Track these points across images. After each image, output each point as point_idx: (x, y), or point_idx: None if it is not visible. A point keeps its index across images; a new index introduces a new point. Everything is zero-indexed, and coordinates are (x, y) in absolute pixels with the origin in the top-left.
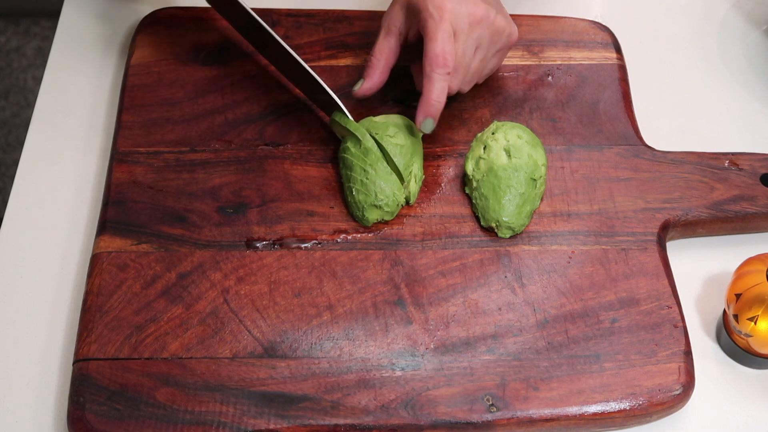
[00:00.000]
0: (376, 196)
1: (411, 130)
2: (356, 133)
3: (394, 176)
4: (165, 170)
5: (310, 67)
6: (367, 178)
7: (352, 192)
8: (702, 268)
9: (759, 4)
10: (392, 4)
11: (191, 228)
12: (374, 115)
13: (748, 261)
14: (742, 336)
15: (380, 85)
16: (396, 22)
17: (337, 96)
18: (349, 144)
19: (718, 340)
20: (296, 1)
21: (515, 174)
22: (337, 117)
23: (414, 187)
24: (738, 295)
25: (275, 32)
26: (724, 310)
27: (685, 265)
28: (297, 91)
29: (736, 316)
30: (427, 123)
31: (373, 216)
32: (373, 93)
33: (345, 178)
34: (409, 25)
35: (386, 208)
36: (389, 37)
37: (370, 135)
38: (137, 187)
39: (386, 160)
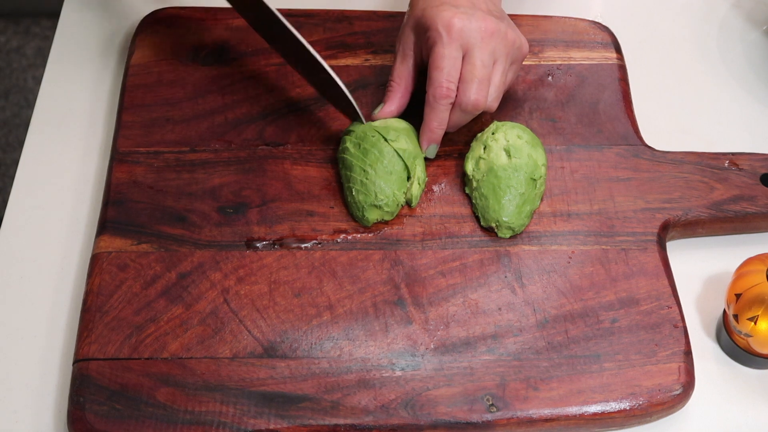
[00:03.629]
0: (376, 196)
1: (411, 134)
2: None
3: (394, 176)
4: (165, 170)
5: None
6: (366, 179)
7: (351, 192)
8: (702, 268)
9: (759, 3)
10: (404, 26)
11: (191, 228)
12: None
13: (748, 261)
14: (742, 336)
15: (401, 110)
16: (409, 45)
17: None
18: (348, 144)
19: (718, 340)
20: (296, 1)
21: (515, 174)
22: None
23: (417, 189)
24: (738, 295)
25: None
26: (724, 310)
27: (685, 265)
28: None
29: (736, 316)
30: (430, 149)
31: (372, 216)
32: (394, 117)
33: (344, 179)
34: (420, 45)
35: (386, 208)
36: (406, 61)
37: (371, 137)
38: (137, 187)
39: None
